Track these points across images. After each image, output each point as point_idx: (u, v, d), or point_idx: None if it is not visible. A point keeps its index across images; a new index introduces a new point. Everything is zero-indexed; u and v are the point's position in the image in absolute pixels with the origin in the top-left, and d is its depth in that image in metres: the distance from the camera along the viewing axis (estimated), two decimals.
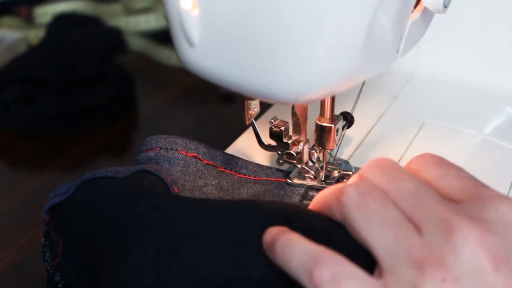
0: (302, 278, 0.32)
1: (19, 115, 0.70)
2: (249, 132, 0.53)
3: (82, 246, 0.39)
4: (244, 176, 0.48)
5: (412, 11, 0.41)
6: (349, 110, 0.47)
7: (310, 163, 0.48)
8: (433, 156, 0.37)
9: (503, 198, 0.33)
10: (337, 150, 0.49)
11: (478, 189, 0.34)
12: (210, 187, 0.45)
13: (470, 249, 0.31)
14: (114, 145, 0.70)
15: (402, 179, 0.35)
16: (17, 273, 0.51)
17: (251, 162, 0.49)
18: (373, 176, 0.35)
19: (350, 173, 0.48)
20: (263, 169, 0.48)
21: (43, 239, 0.42)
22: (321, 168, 0.48)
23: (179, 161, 0.46)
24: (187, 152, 0.46)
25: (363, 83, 0.47)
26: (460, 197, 0.34)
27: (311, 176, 0.47)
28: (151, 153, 0.46)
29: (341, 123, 0.46)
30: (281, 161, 0.48)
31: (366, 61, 0.38)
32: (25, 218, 0.58)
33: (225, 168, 0.47)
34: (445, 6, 0.41)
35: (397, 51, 0.41)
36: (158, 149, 0.46)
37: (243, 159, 0.49)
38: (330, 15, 0.35)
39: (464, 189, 0.35)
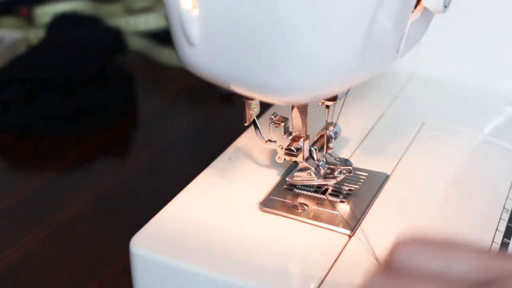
0: None
1: (19, 115, 0.70)
2: (249, 132, 0.53)
3: None
4: None
5: (412, 11, 0.41)
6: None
7: (312, 160, 0.48)
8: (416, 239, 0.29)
9: None
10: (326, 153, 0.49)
11: (503, 261, 0.27)
12: None
13: None
14: (114, 145, 0.70)
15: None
16: (17, 273, 0.51)
17: None
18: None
19: (350, 168, 0.47)
20: None
21: None
22: (321, 165, 0.48)
23: None
24: None
25: (347, 92, 0.46)
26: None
27: (311, 173, 0.47)
28: None
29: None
30: (280, 157, 0.48)
31: (366, 61, 0.38)
32: (25, 218, 0.58)
33: None
34: (445, 6, 0.41)
35: (397, 51, 0.41)
36: None
37: None
38: (330, 15, 0.35)
39: (485, 269, 0.27)
